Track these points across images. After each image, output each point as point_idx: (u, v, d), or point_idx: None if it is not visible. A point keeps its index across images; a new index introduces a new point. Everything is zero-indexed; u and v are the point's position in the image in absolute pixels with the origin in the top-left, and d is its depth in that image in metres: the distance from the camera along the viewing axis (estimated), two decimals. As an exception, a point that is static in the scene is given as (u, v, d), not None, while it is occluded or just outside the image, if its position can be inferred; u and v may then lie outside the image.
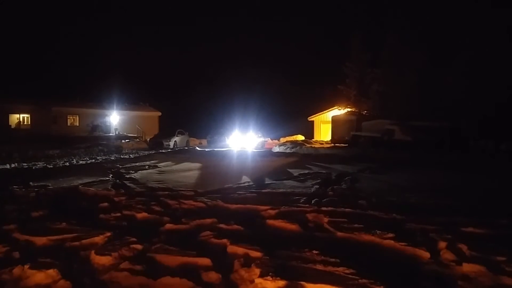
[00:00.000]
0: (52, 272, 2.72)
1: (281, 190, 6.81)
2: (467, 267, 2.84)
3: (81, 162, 12.98)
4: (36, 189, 6.58)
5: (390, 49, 24.74)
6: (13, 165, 11.44)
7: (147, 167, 11.19)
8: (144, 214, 4.61)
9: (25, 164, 11.87)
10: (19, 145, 17.67)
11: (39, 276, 2.68)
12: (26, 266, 2.78)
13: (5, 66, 33.79)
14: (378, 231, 3.70)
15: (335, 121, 26.62)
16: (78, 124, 33.14)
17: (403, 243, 3.37)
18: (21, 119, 31.10)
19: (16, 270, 2.75)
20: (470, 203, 5.70)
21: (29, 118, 31.03)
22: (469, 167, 11.18)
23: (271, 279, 2.53)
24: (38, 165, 11.56)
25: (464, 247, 3.22)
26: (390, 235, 3.57)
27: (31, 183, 7.58)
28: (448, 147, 16.36)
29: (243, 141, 24.44)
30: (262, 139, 26.47)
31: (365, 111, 27.51)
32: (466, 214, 4.61)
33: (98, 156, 15.42)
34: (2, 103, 28.17)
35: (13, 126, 29.97)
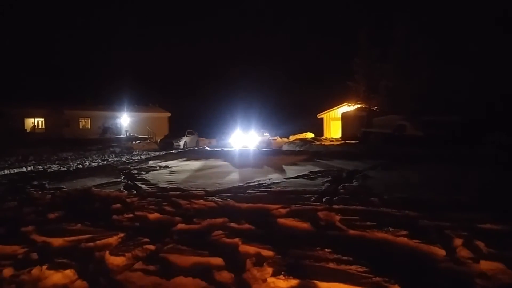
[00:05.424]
0: (69, 272, 2.77)
1: (291, 189, 6.78)
2: (484, 265, 2.79)
3: (93, 164, 13.15)
4: (51, 191, 6.71)
5: (398, 44, 24.42)
6: (29, 168, 11.67)
7: (158, 167, 11.27)
8: (156, 215, 4.66)
9: (40, 167, 12.09)
10: (35, 149, 18.02)
11: (57, 276, 2.74)
12: (44, 267, 2.84)
13: (17, 71, 34.36)
14: (391, 229, 3.67)
15: (345, 117, 26.41)
16: (89, 127, 33.67)
17: (417, 240, 3.34)
18: (35, 123, 31.71)
19: (35, 271, 2.82)
20: (485, 198, 5.60)
21: (43, 122, 31.65)
22: (482, 162, 10.98)
23: (283, 278, 2.54)
24: (53, 168, 11.76)
25: (481, 244, 3.16)
26: (404, 232, 3.54)
27: (46, 185, 7.73)
28: (460, 141, 16.08)
29: (245, 140, 24.18)
30: (266, 136, 26.11)
31: (375, 107, 27.19)
32: (482, 210, 4.53)
33: (109, 158, 15.59)
34: (18, 108, 28.82)
35: (28, 130, 30.54)
